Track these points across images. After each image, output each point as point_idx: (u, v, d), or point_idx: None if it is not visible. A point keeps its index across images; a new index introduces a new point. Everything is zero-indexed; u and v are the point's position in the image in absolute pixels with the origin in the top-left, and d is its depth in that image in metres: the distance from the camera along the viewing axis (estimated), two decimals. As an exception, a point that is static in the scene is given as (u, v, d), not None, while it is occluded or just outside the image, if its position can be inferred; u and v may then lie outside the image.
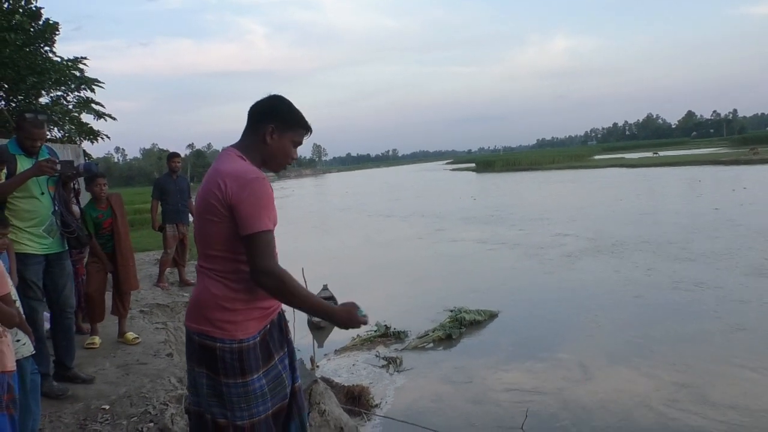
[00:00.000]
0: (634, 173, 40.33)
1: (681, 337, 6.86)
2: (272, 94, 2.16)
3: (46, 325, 3.90)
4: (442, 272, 11.82)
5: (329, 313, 2.07)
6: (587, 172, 46.94)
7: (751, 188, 23.11)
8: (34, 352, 2.91)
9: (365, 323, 2.12)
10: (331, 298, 9.38)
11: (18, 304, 2.84)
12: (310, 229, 21.56)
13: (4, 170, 3.43)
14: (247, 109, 2.16)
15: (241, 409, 2.02)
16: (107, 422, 3.43)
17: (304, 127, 2.18)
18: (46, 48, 12.91)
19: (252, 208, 1.94)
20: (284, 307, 2.23)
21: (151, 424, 3.43)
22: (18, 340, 2.79)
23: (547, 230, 15.79)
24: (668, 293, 8.69)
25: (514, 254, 12.86)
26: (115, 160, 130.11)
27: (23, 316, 2.84)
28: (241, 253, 2.01)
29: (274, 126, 2.09)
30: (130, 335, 5.08)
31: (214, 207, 1.98)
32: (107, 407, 3.61)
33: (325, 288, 9.73)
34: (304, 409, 2.28)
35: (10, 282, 2.82)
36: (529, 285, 10.16)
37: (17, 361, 2.75)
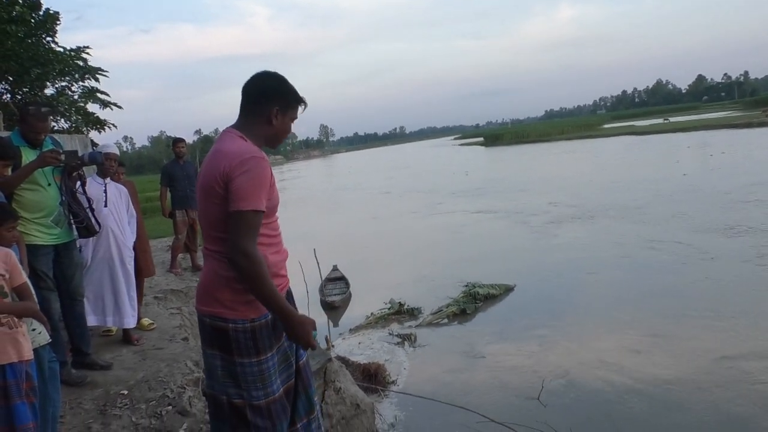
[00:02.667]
0: (635, 141, 40.48)
1: (670, 292, 7.34)
2: (268, 71, 2.14)
3: None
4: (442, 245, 12.25)
5: (288, 316, 1.97)
6: (593, 141, 47.07)
7: (732, 152, 23.81)
8: (50, 340, 2.93)
9: (312, 348, 2.06)
10: (342, 278, 9.47)
11: (33, 293, 2.87)
12: (316, 208, 21.81)
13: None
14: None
15: (257, 389, 2.03)
16: (126, 407, 3.47)
17: (301, 103, 2.18)
18: (48, 39, 12.90)
19: (245, 185, 1.91)
20: (290, 284, 2.24)
21: (170, 407, 3.47)
22: (34, 329, 2.81)
23: (534, 200, 16.70)
24: (646, 252, 9.48)
25: (505, 223, 13.80)
26: (124, 149, 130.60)
27: (38, 305, 2.86)
28: None
29: (279, 107, 2.09)
30: (146, 321, 5.11)
31: (213, 189, 1.97)
32: (126, 392, 3.65)
33: (335, 269, 9.77)
34: (310, 386, 2.28)
35: (24, 273, 2.84)
36: (525, 252, 10.63)
37: (34, 350, 2.78)
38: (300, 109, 2.18)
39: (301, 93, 2.17)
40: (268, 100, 2.08)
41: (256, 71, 2.15)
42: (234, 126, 2.12)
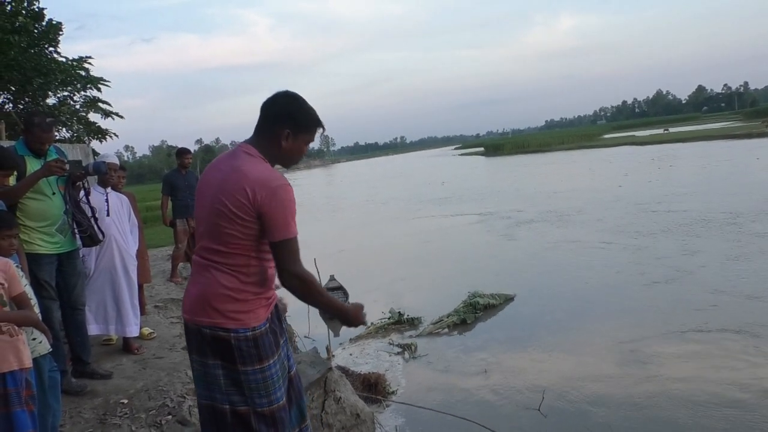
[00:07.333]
0: (628, 152, 41.24)
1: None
2: (287, 92, 2.15)
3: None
4: (424, 251, 12.76)
5: (344, 312, 2.23)
6: (591, 152, 47.97)
7: (682, 165, 25.86)
8: (51, 349, 2.94)
9: (365, 324, 2.36)
10: (340, 288, 9.44)
11: (34, 302, 2.87)
12: (311, 216, 22.11)
13: (14, 174, 3.45)
14: (255, 102, 2.17)
15: (260, 396, 2.06)
16: (126, 416, 3.47)
17: (317, 126, 2.18)
18: (51, 49, 12.96)
19: (282, 216, 1.98)
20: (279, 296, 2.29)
21: (170, 417, 3.47)
22: (34, 339, 2.82)
23: (504, 206, 18.25)
24: (597, 251, 10.71)
25: (480, 228, 15.07)
26: (125, 158, 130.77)
27: (39, 315, 2.87)
28: (256, 250, 2.04)
29: (290, 130, 2.10)
30: (146, 330, 5.11)
31: (236, 212, 1.98)
32: (126, 401, 3.65)
33: (332, 278, 9.74)
34: (301, 396, 2.30)
35: (25, 282, 2.85)
36: (504, 258, 11.19)
37: (35, 359, 2.78)
38: (318, 132, 2.19)
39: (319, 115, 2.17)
40: (280, 121, 2.09)
41: (277, 90, 2.16)
42: (248, 142, 2.13)
